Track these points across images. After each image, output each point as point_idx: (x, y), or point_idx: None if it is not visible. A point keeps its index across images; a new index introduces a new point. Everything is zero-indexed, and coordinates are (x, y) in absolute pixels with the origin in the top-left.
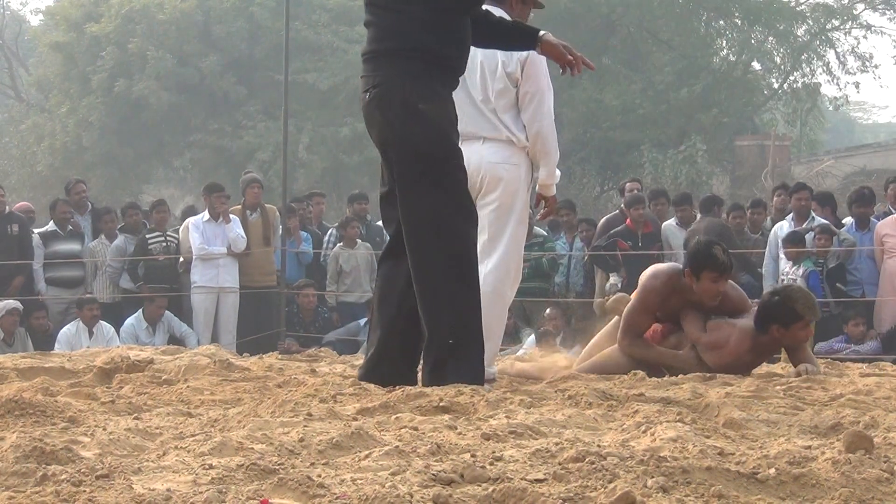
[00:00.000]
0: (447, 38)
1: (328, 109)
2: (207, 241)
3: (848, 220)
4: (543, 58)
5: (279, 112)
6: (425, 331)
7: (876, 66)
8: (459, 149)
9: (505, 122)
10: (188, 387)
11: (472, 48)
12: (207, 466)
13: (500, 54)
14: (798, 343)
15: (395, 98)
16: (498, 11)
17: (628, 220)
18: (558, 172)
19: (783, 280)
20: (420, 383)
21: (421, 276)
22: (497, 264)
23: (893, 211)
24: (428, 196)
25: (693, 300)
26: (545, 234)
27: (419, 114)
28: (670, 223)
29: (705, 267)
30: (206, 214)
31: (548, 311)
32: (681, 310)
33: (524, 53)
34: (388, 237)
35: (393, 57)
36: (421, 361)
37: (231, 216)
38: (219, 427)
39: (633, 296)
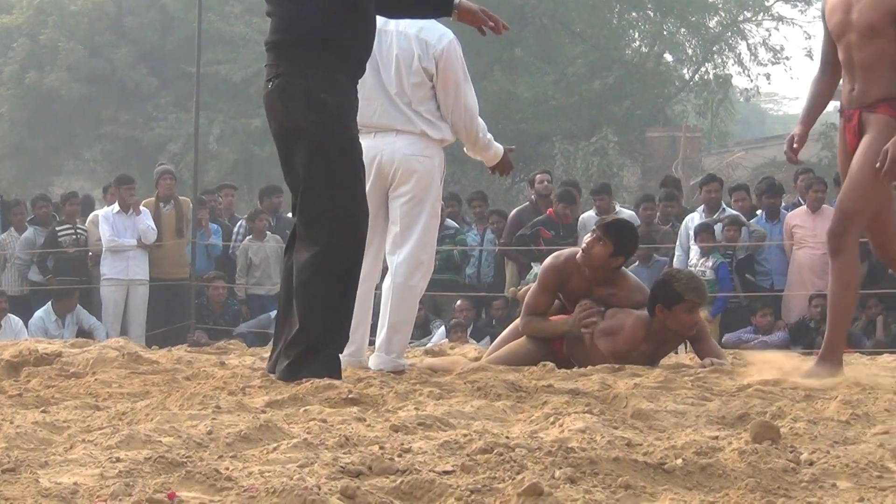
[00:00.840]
0: (349, 26)
1: (240, 101)
2: (117, 233)
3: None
4: (459, 50)
5: (191, 104)
6: (296, 322)
7: (787, 58)
8: (359, 142)
9: (420, 115)
10: (96, 380)
11: (389, 42)
12: (115, 459)
13: (415, 48)
14: (684, 328)
15: (298, 89)
16: None
17: (550, 210)
18: (493, 145)
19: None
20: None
21: (305, 267)
22: (408, 256)
23: (803, 202)
24: (323, 188)
25: (594, 284)
26: (456, 226)
27: (321, 104)
28: (590, 214)
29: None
30: (115, 206)
31: (458, 302)
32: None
33: (439, 49)
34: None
35: (295, 47)
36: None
37: (141, 208)
38: (126, 420)
39: None
